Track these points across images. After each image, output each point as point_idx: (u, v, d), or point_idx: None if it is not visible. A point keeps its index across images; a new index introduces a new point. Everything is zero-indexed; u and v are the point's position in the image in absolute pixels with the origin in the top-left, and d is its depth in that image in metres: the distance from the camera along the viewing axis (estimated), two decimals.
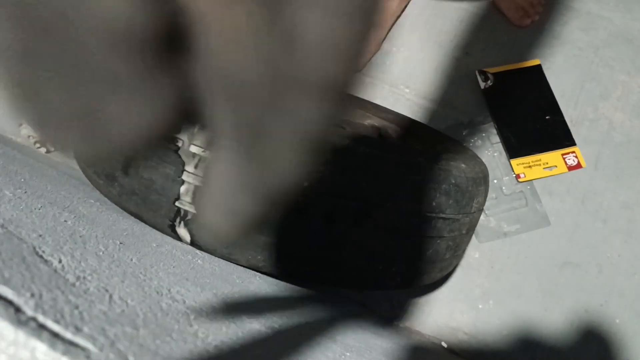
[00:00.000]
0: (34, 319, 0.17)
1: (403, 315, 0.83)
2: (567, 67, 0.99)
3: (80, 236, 0.36)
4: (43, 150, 0.95)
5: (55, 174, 0.78)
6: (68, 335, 0.17)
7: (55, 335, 0.17)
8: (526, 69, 0.97)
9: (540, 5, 0.99)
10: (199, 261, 0.50)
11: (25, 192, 0.44)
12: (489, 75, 0.97)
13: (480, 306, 0.84)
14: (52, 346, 0.16)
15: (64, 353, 0.15)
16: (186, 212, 0.55)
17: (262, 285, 0.55)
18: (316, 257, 0.57)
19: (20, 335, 0.15)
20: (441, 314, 0.84)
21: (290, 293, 0.59)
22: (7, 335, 0.15)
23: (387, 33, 0.99)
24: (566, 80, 0.98)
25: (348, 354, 0.38)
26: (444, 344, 0.81)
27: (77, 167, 0.85)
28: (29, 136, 0.92)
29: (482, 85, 0.96)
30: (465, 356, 0.81)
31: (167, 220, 0.56)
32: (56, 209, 0.43)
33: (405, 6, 1.01)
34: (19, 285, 0.20)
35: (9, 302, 0.17)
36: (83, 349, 0.17)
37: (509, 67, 0.97)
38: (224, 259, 0.57)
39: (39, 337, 0.16)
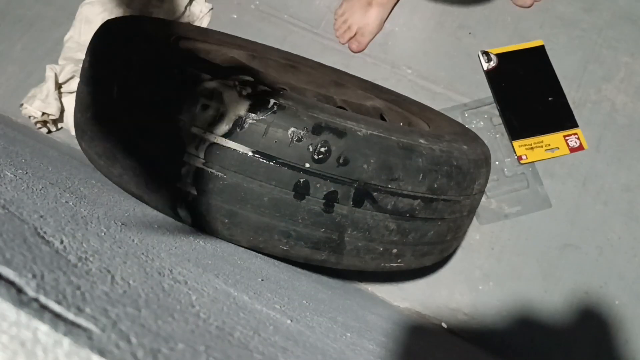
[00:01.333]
0: (35, 300, 0.17)
1: (403, 296, 0.84)
2: (570, 48, 0.98)
3: (82, 217, 0.36)
4: (44, 130, 0.95)
5: (56, 154, 0.78)
6: (70, 316, 0.17)
7: (57, 316, 0.17)
8: (529, 50, 0.96)
9: None
10: (200, 242, 0.50)
11: (26, 173, 0.44)
12: (492, 56, 0.96)
13: (480, 287, 0.85)
14: (54, 327, 0.16)
15: (66, 334, 0.15)
16: (187, 193, 0.55)
17: (262, 265, 0.55)
18: (316, 239, 0.57)
19: (22, 316, 0.15)
20: (441, 295, 0.84)
21: (291, 274, 0.60)
22: (9, 316, 0.15)
23: (389, 13, 0.97)
24: (569, 61, 0.97)
25: (349, 334, 0.38)
26: (444, 325, 0.82)
27: (79, 148, 0.85)
28: (29, 117, 0.92)
29: (485, 66, 0.95)
30: (465, 336, 0.81)
31: (168, 201, 0.56)
32: (57, 190, 0.43)
33: None
34: (21, 266, 0.20)
35: (11, 283, 0.17)
36: (85, 329, 0.17)
37: (512, 47, 0.96)
38: (225, 240, 0.57)
39: (41, 318, 0.16)
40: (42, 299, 0.18)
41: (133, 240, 0.35)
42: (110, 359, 0.15)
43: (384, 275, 0.85)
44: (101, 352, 0.15)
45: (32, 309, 0.16)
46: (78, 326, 0.17)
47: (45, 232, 0.27)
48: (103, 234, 0.32)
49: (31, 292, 0.18)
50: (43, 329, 0.15)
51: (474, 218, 0.87)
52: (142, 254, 0.31)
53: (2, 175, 0.35)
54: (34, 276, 0.19)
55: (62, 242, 0.26)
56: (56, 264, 0.22)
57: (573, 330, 0.81)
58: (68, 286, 0.20)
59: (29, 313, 0.16)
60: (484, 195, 0.89)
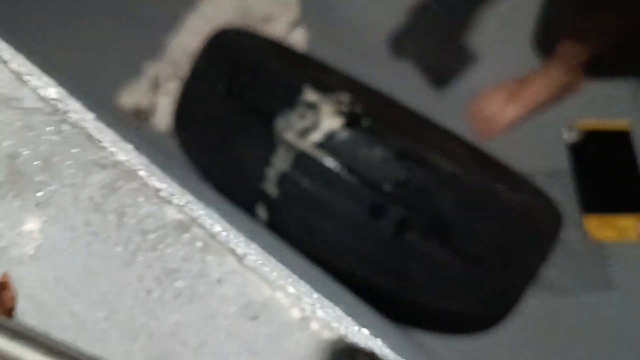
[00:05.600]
0: None
1: (448, 348, 0.82)
2: None
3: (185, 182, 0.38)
4: (134, 124, 1.01)
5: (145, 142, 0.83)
6: None
7: None
8: (615, 131, 0.96)
9: None
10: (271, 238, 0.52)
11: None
12: (576, 130, 0.96)
13: (525, 358, 0.81)
14: None
15: None
16: (269, 193, 0.57)
17: (327, 279, 0.56)
18: (382, 262, 0.57)
19: None
20: (484, 356, 0.82)
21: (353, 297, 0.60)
22: None
23: (526, 115, 0.96)
24: None
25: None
26: None
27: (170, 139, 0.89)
28: (124, 107, 0.99)
29: (568, 138, 0.95)
30: None
31: (249, 197, 0.59)
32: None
33: (557, 101, 0.97)
34: None
35: None
36: None
37: (598, 125, 0.96)
38: (294, 247, 0.59)
39: None
40: None
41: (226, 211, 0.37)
42: None
43: (435, 325, 0.83)
44: None
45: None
46: None
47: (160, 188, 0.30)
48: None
49: None
50: None
51: (532, 287, 0.85)
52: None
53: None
54: None
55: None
56: None
57: None
58: None
59: None
60: (547, 265, 0.87)
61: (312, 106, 0.57)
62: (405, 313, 0.81)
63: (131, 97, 0.99)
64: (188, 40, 1.03)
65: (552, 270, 0.86)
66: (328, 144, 0.56)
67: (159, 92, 1.01)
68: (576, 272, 0.86)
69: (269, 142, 0.57)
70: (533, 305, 0.85)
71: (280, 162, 0.57)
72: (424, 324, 0.83)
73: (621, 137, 0.95)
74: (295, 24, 1.05)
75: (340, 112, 0.57)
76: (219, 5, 1.05)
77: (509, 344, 0.82)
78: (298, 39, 1.04)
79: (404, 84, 1.03)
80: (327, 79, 0.73)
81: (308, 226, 0.57)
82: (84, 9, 1.16)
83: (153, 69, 1.01)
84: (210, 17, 1.03)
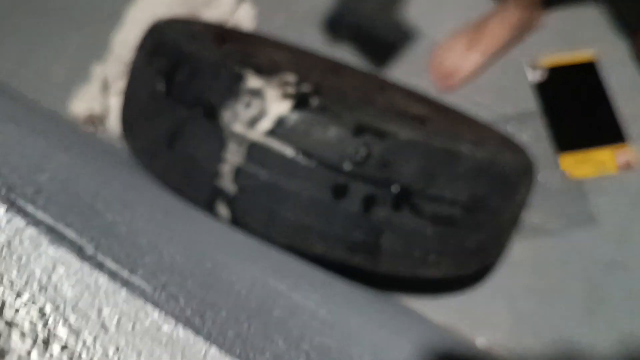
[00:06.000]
0: (94, 257, 0.18)
1: (440, 310, 0.82)
2: (623, 62, 0.94)
3: (130, 201, 0.37)
4: (91, 130, 0.98)
5: (101, 151, 0.80)
6: (125, 274, 0.18)
7: (114, 273, 0.17)
8: (580, 63, 0.93)
9: None
10: (237, 236, 0.50)
11: (75, 160, 0.46)
12: (540, 68, 0.94)
13: (520, 304, 0.82)
14: (112, 279, 0.16)
15: (122, 286, 0.16)
16: (227, 190, 0.55)
17: (298, 264, 0.55)
18: (353, 241, 0.56)
19: (85, 267, 0.16)
20: (479, 310, 0.82)
21: (325, 275, 0.59)
22: (73, 265, 0.15)
23: (487, 60, 0.95)
24: (622, 75, 0.93)
25: (382, 330, 0.38)
26: (480, 342, 0.80)
27: (123, 148, 0.88)
28: (77, 114, 0.95)
29: (533, 78, 0.93)
30: (502, 355, 0.79)
31: (207, 197, 0.57)
32: (105, 177, 0.44)
33: (517, 40, 0.95)
34: (80, 231, 0.20)
35: (72, 242, 0.18)
36: (138, 286, 0.17)
37: (562, 60, 0.94)
38: (262, 239, 0.58)
39: (101, 270, 0.16)
40: (100, 257, 0.18)
41: (176, 226, 0.35)
42: (163, 309, 0.15)
43: (420, 287, 0.83)
44: (154, 304, 0.15)
45: (92, 263, 0.17)
46: (132, 283, 0.17)
47: (99, 209, 0.28)
48: (148, 217, 0.33)
49: (90, 251, 0.18)
50: (102, 279, 0.16)
51: (516, 232, 0.85)
52: (184, 238, 0.32)
53: (57, 158, 0.36)
54: (92, 239, 0.20)
55: (113, 217, 0.27)
56: (109, 233, 0.23)
57: (617, 352, 0.77)
58: (120, 251, 0.21)
59: (90, 265, 0.16)
60: (528, 208, 0.86)
61: (256, 93, 0.54)
62: (386, 284, 0.81)
63: (82, 103, 0.96)
64: (131, 34, 0.98)
65: (535, 215, 0.86)
66: (279, 130, 0.53)
67: (109, 94, 0.97)
68: (558, 212, 0.86)
69: (218, 137, 0.55)
70: (519, 251, 0.85)
71: (233, 156, 0.55)
72: (409, 290, 0.83)
73: (587, 69, 0.93)
74: (240, 1, 1.00)
75: (287, 95, 0.54)
76: None
77: (501, 294, 0.83)
78: (244, 16, 1.00)
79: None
80: (272, 59, 0.70)
81: (272, 217, 0.55)
82: (24, 16, 1.11)
83: (100, 70, 0.97)
84: (151, 8, 0.99)
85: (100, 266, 0.16)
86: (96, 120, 0.97)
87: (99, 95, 0.94)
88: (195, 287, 0.21)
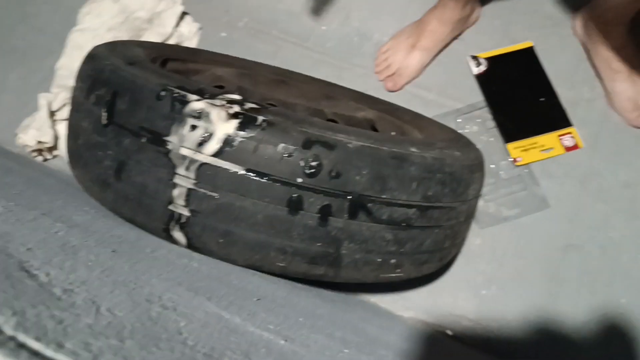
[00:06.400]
0: (13, 339, 0.17)
1: (407, 305, 0.83)
2: (561, 47, 0.98)
3: (72, 246, 0.35)
4: (40, 159, 0.95)
5: (53, 182, 0.78)
6: (49, 352, 0.17)
7: (35, 353, 0.17)
8: (518, 52, 0.96)
9: None
10: (194, 264, 0.50)
11: (18, 205, 0.44)
12: (481, 60, 0.96)
13: (483, 292, 0.84)
14: None
15: None
16: (180, 215, 0.55)
17: (260, 284, 0.55)
18: (313, 254, 0.56)
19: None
20: (445, 302, 0.84)
21: (290, 290, 0.59)
22: None
23: (432, 59, 0.97)
24: (561, 61, 0.97)
25: (346, 350, 0.38)
26: (449, 332, 0.82)
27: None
28: (24, 146, 0.92)
29: (475, 70, 0.96)
30: (471, 343, 0.81)
31: (161, 224, 0.56)
32: (49, 220, 0.43)
33: (458, 35, 0.97)
34: (1, 304, 0.19)
35: None
36: None
37: (501, 50, 0.96)
38: (221, 260, 0.57)
39: (17, 357, 0.16)
40: (21, 336, 0.17)
41: (123, 268, 0.35)
42: None
43: (386, 286, 0.84)
44: None
45: (8, 348, 0.16)
46: None
47: (31, 265, 0.27)
48: (91, 263, 0.32)
49: (9, 331, 0.17)
50: None
51: (473, 223, 0.87)
52: (131, 281, 0.31)
53: None
54: (15, 313, 0.19)
55: (48, 274, 0.26)
56: (40, 298, 0.22)
57: (580, 331, 0.80)
58: (50, 321, 0.20)
59: (5, 353, 0.16)
60: (482, 199, 0.88)
61: (201, 115, 0.54)
62: (352, 286, 0.82)
63: (29, 133, 0.92)
64: (73, 60, 0.96)
65: (489, 205, 0.88)
66: (227, 150, 0.53)
67: (55, 122, 0.94)
68: (512, 200, 0.88)
69: (166, 162, 0.54)
70: (477, 242, 0.87)
71: (183, 181, 0.54)
72: (375, 289, 0.84)
73: (526, 54, 0.96)
74: (182, 16, 0.99)
75: (232, 115, 0.54)
76: (100, 15, 0.97)
77: (463, 284, 0.84)
78: (188, 31, 0.98)
79: (307, 55, 1.00)
80: (217, 75, 0.69)
81: (229, 238, 0.55)
82: None
83: (44, 98, 0.94)
84: (93, 30, 0.96)
85: (17, 351, 0.16)
86: (45, 150, 0.94)
87: (46, 124, 0.91)
88: (134, 350, 0.20)
